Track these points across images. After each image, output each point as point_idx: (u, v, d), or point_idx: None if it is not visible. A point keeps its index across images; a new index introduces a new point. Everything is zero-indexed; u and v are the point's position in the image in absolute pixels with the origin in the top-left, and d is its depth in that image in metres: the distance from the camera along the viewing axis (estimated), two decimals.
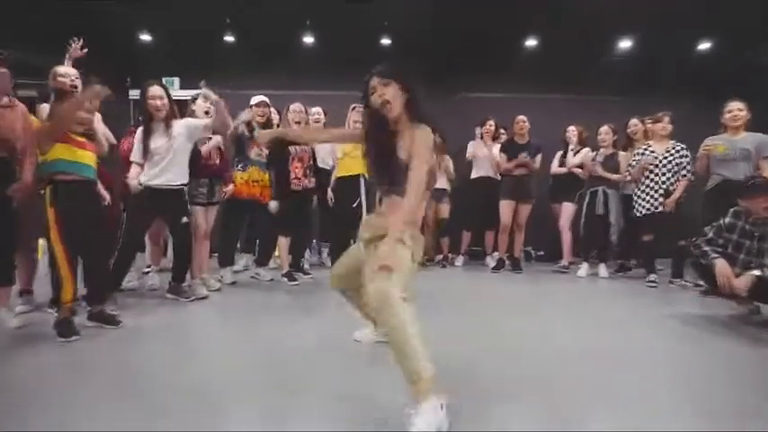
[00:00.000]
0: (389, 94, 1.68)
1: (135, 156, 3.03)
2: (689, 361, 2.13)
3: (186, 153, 3.10)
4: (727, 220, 2.75)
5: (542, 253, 5.55)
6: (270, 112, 3.83)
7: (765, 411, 1.60)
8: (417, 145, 1.64)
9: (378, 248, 1.57)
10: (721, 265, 2.58)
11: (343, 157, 4.00)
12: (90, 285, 2.52)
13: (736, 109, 3.45)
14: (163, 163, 2.99)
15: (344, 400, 1.63)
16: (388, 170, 1.73)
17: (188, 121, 3.18)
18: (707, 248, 2.71)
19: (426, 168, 1.63)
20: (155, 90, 2.99)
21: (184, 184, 3.11)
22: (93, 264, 2.47)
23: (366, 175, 3.67)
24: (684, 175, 3.84)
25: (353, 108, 4.03)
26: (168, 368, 1.95)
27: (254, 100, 3.78)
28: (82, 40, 3.02)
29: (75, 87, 2.71)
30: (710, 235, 2.78)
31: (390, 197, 1.76)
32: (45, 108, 2.62)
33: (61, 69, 2.79)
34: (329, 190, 4.12)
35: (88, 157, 2.38)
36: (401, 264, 1.51)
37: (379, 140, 1.74)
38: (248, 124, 3.70)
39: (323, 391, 1.70)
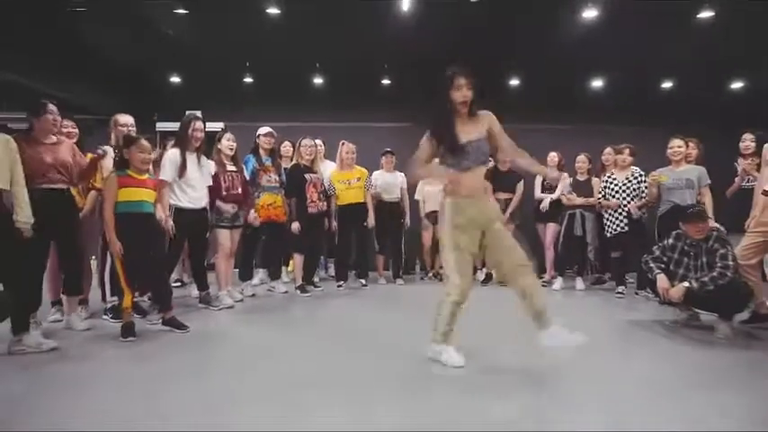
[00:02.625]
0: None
1: (168, 176, 3.42)
2: (639, 358, 2.64)
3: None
4: (670, 241, 3.30)
5: None
6: (274, 141, 4.39)
7: (702, 400, 1.97)
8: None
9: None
10: (661, 279, 3.13)
11: (344, 187, 4.67)
12: (157, 296, 3.10)
13: (676, 146, 4.04)
14: (196, 187, 3.54)
15: (348, 391, 2.17)
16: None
17: (210, 165, 3.78)
18: (652, 265, 3.26)
19: None
20: (200, 124, 3.60)
21: (206, 209, 3.65)
22: (155, 279, 3.03)
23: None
24: (642, 197, 4.42)
25: (343, 143, 4.74)
26: (209, 361, 2.50)
27: (263, 130, 4.37)
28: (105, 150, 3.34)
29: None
30: (657, 253, 3.33)
31: (473, 170, 2.32)
32: (108, 161, 3.20)
33: (121, 119, 3.38)
34: (333, 221, 4.71)
35: (146, 194, 2.93)
36: None
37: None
38: (257, 154, 4.27)
39: (328, 383, 2.25)
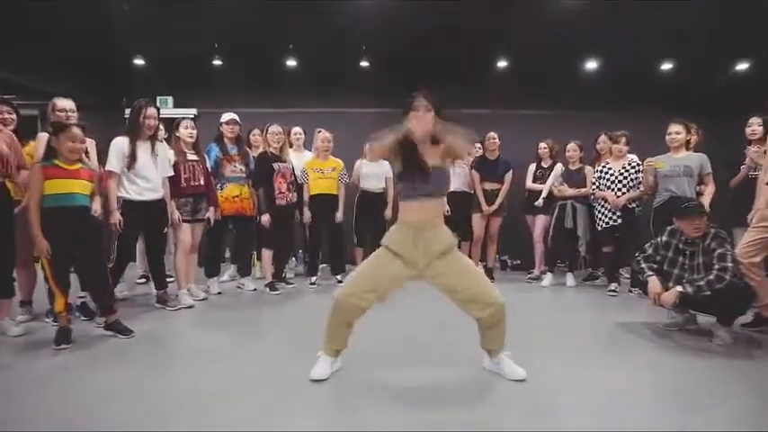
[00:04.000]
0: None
1: (114, 166, 3.16)
2: (620, 368, 2.37)
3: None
4: (664, 238, 3.00)
5: (519, 262, 5.81)
6: (239, 129, 4.09)
7: (678, 415, 1.82)
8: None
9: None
10: (652, 283, 2.83)
11: (316, 176, 4.38)
12: (95, 299, 2.84)
13: (674, 132, 3.71)
14: (149, 178, 3.26)
15: (327, 398, 1.90)
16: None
17: (168, 152, 3.48)
18: (644, 265, 2.96)
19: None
20: (153, 111, 3.31)
21: (162, 200, 3.37)
22: (90, 280, 2.76)
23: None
24: (638, 188, 4.11)
25: (319, 131, 4.47)
26: (153, 373, 2.23)
27: (225, 117, 4.07)
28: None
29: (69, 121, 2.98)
30: (649, 251, 3.03)
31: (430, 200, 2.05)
32: (42, 138, 2.90)
33: (59, 103, 3.07)
34: (306, 211, 4.40)
35: (79, 186, 2.63)
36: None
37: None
38: (221, 143, 3.98)
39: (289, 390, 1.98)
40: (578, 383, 2.13)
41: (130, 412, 1.79)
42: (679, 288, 2.70)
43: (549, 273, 4.69)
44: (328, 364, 2.14)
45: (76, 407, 1.85)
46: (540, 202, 4.85)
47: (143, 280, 4.36)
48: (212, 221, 3.77)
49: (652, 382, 2.17)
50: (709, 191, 3.67)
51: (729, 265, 2.62)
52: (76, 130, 2.61)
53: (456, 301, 2.10)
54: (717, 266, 2.64)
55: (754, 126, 3.62)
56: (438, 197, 2.11)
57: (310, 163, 4.45)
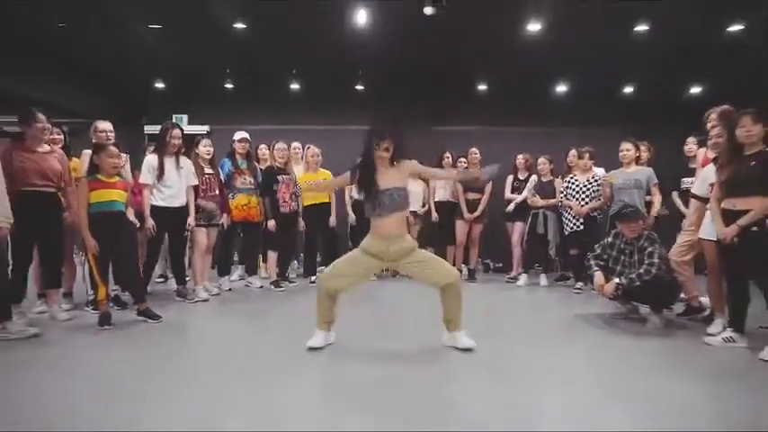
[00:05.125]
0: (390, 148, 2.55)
1: (147, 179, 3.74)
2: (569, 348, 2.88)
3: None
4: (609, 239, 3.55)
5: (500, 265, 6.36)
6: (249, 146, 4.68)
7: (638, 387, 2.20)
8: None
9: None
10: (596, 277, 3.39)
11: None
12: (129, 289, 3.39)
13: (624, 149, 4.29)
14: (173, 187, 3.82)
15: (327, 383, 2.44)
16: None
17: (191, 166, 4.03)
18: (592, 262, 3.51)
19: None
20: (177, 132, 3.89)
21: (185, 207, 3.91)
22: (126, 272, 3.32)
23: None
24: (599, 199, 4.67)
25: (308, 147, 5.04)
26: (177, 351, 2.78)
27: (237, 136, 4.65)
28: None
29: (110, 140, 3.56)
30: (598, 251, 3.58)
31: (389, 216, 2.54)
32: (87, 154, 3.48)
33: (101, 125, 3.67)
34: (299, 219, 4.95)
35: (117, 195, 3.20)
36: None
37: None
38: (233, 158, 4.58)
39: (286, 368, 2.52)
40: (536, 361, 2.60)
41: (157, 382, 2.23)
42: (616, 280, 3.24)
43: (524, 274, 5.22)
44: (322, 337, 2.68)
45: (111, 376, 2.39)
46: (510, 208, 5.41)
47: (161, 279, 4.92)
48: (225, 226, 4.32)
49: (592, 358, 2.70)
50: (657, 200, 4.22)
51: (655, 261, 3.16)
52: (114, 149, 3.19)
53: (421, 279, 2.66)
54: (646, 262, 3.19)
55: (690, 145, 4.17)
56: (399, 211, 2.57)
57: (302, 177, 4.99)
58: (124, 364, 2.48)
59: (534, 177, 5.32)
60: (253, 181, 4.62)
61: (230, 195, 4.51)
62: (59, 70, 5.67)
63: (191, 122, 6.41)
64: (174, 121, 5.63)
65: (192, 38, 5.23)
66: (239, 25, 4.88)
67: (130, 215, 3.35)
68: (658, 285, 3.17)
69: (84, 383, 2.21)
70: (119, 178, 3.29)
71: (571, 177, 4.89)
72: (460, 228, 5.41)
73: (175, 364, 2.50)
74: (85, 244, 3.09)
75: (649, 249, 3.23)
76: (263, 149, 5.12)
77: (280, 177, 4.64)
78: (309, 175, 5.01)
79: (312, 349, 2.61)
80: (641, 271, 3.17)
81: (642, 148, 4.41)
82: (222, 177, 4.44)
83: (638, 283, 3.16)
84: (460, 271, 5.52)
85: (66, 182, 3.35)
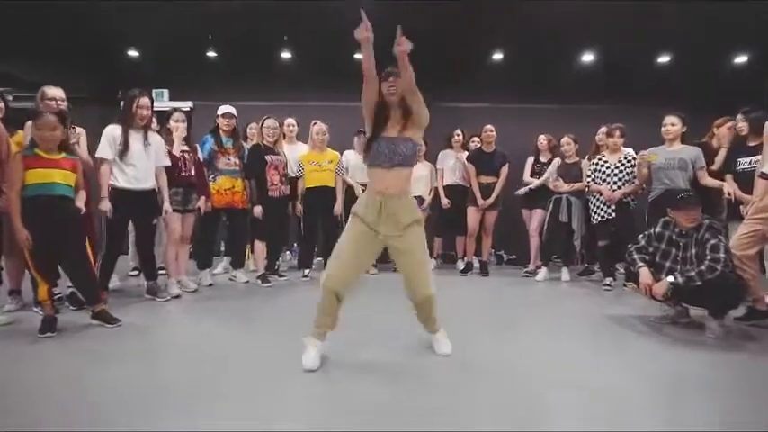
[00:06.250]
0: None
1: (106, 153, 3.14)
2: (608, 361, 2.33)
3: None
4: (657, 229, 2.95)
5: (514, 256, 5.78)
6: (235, 123, 4.08)
7: (663, 410, 1.80)
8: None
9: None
10: (643, 274, 2.80)
11: (313, 169, 4.36)
12: (78, 288, 2.82)
13: (669, 124, 3.65)
14: (139, 167, 3.23)
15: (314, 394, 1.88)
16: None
17: (161, 143, 3.45)
18: (636, 256, 2.92)
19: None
20: (146, 101, 3.29)
21: (153, 190, 3.35)
22: (72, 270, 2.74)
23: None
24: (633, 182, 4.06)
25: (314, 123, 4.42)
26: (135, 363, 2.22)
27: (221, 110, 4.05)
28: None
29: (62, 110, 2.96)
30: (642, 243, 2.99)
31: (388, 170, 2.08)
32: (29, 127, 2.88)
33: (49, 92, 3.03)
34: (298, 204, 4.39)
35: (60, 175, 2.60)
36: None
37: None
38: (216, 135, 3.96)
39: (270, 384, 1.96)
40: (564, 376, 2.09)
41: (103, 403, 1.77)
42: (670, 278, 2.66)
43: (543, 267, 4.65)
44: (315, 352, 2.12)
45: (47, 397, 1.84)
46: (521, 191, 4.84)
47: (135, 272, 4.35)
48: (203, 211, 3.75)
49: (639, 374, 2.13)
50: (712, 182, 3.56)
51: (722, 255, 2.58)
52: (49, 118, 2.58)
53: (402, 273, 2.24)
54: (709, 257, 2.60)
55: (740, 123, 3.44)
56: (406, 167, 2.12)
57: (306, 156, 4.42)
58: (67, 382, 1.96)
59: (557, 160, 4.72)
60: (238, 162, 4.03)
61: (212, 177, 3.92)
62: (26, 42, 5.06)
63: (172, 98, 5.77)
64: (154, 97, 5.05)
65: (173, 1, 4.59)
66: None
67: (80, 201, 2.76)
68: (723, 285, 2.59)
69: (13, 405, 1.72)
70: (64, 155, 2.69)
71: (600, 158, 4.28)
72: (472, 215, 4.81)
73: (131, 380, 1.95)
74: (16, 235, 2.51)
75: (713, 242, 2.63)
76: (252, 128, 4.53)
77: (268, 158, 4.04)
78: (315, 154, 4.42)
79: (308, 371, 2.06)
80: (703, 268, 2.58)
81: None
82: (203, 157, 3.85)
83: (698, 283, 2.58)
84: (471, 264, 4.96)
85: (2, 160, 2.77)
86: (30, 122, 2.93)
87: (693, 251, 2.75)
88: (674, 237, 2.87)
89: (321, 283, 2.16)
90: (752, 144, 3.30)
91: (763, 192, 2.82)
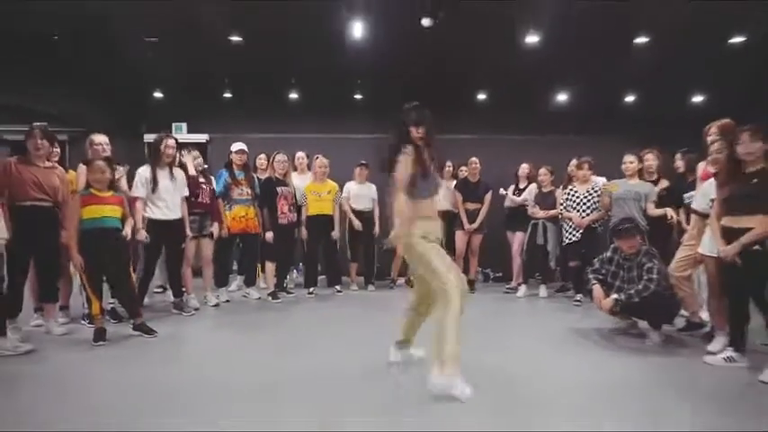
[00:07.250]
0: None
1: (140, 192, 3.72)
2: (561, 365, 2.85)
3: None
4: (608, 254, 3.51)
5: (500, 274, 6.33)
6: (247, 158, 4.67)
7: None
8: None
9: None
10: (595, 291, 3.35)
11: (314, 198, 4.94)
12: (123, 304, 3.39)
13: (628, 161, 4.27)
14: (168, 200, 3.80)
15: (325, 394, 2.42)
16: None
17: (183, 176, 4.03)
18: (591, 276, 3.48)
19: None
20: (171, 142, 3.88)
21: (181, 219, 3.92)
22: (119, 288, 3.32)
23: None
24: (600, 210, 4.64)
25: (317, 157, 5.05)
26: (171, 365, 2.76)
27: (235, 147, 4.65)
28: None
29: (106, 153, 3.57)
30: (597, 265, 3.54)
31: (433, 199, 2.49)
32: (82, 169, 3.48)
33: (96, 138, 3.66)
34: (303, 228, 4.96)
35: (109, 210, 3.19)
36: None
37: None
38: (230, 169, 4.58)
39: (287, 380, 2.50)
40: (531, 375, 2.59)
41: (149, 399, 2.26)
42: (615, 296, 3.21)
43: (524, 284, 5.19)
44: (460, 380, 2.20)
45: (102, 393, 2.38)
46: (507, 203, 5.45)
47: (160, 290, 4.90)
48: (215, 236, 4.30)
49: (588, 375, 2.65)
50: (656, 212, 4.11)
51: (654, 276, 3.12)
52: (100, 163, 3.18)
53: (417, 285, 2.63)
54: (644, 278, 3.15)
55: (677, 161, 4.07)
56: (437, 195, 2.54)
57: (309, 187, 5.01)
58: (116, 382, 2.46)
59: (533, 186, 5.30)
60: (250, 192, 4.61)
61: (227, 207, 4.50)
62: (60, 81, 5.70)
63: (190, 131, 6.43)
64: (173, 129, 5.71)
65: (190, 48, 5.23)
66: (235, 38, 4.87)
67: (127, 227, 3.34)
68: (657, 302, 3.13)
69: (74, 400, 2.21)
70: (112, 192, 3.28)
71: (571, 189, 4.86)
72: (460, 238, 5.38)
73: (168, 382, 2.47)
74: (72, 260, 3.08)
75: (648, 265, 3.19)
76: (261, 159, 5.12)
77: (279, 189, 4.63)
78: (316, 185, 5.01)
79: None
80: (640, 287, 3.13)
81: (651, 156, 4.30)
82: (219, 189, 4.44)
83: (636, 300, 3.12)
84: (471, 284, 5.50)
85: (64, 199, 3.34)
86: (82, 166, 3.55)
87: (635, 273, 3.30)
88: (620, 260, 3.43)
89: (450, 295, 2.23)
90: (690, 180, 3.88)
91: (694, 223, 3.38)
